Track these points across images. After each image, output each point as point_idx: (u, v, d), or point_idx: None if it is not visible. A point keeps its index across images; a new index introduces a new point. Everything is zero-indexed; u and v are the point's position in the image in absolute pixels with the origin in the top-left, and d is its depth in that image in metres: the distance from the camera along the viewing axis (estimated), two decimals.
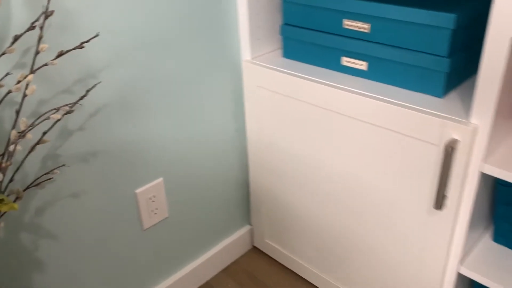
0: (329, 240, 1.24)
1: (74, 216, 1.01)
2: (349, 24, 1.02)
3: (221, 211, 1.39)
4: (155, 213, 1.19)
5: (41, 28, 0.68)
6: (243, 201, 1.46)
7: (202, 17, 1.09)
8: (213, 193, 1.34)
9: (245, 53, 1.20)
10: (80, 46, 0.75)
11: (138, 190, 1.12)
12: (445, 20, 0.85)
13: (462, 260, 0.98)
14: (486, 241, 1.03)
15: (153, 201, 1.17)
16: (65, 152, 0.93)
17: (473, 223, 0.96)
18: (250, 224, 1.52)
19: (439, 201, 0.90)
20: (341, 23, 1.03)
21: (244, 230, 1.50)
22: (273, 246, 1.45)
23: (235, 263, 1.50)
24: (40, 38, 0.68)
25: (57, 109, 0.78)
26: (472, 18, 0.90)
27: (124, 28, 0.94)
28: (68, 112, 0.74)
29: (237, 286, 1.41)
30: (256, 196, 1.41)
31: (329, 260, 1.27)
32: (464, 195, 0.89)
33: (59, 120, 0.85)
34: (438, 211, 0.93)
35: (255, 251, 1.54)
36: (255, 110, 1.24)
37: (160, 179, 1.16)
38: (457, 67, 0.93)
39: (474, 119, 0.82)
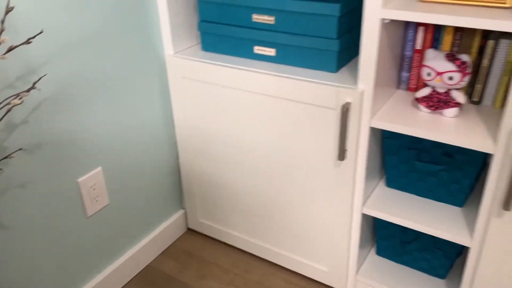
0: (253, 205, 1.42)
1: (23, 206, 1.07)
2: (257, 17, 1.21)
3: (156, 197, 1.51)
4: (97, 201, 1.27)
5: (2, 22, 0.77)
6: (176, 186, 1.58)
7: (129, 18, 1.21)
8: (147, 180, 1.45)
9: (168, 48, 1.34)
10: (28, 42, 0.84)
11: (80, 179, 1.20)
12: (332, 9, 1.08)
13: (364, 202, 1.22)
14: (381, 187, 1.29)
15: (94, 189, 1.25)
16: (11, 144, 1.00)
17: (370, 171, 1.21)
18: (183, 208, 1.65)
19: (341, 154, 1.12)
20: (250, 17, 1.22)
21: (179, 213, 1.62)
22: (207, 224, 1.60)
23: (173, 245, 1.62)
24: (1, 32, 0.76)
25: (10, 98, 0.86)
26: (352, 7, 1.14)
27: (58, 26, 1.03)
28: (16, 103, 0.83)
29: (177, 264, 1.53)
30: (187, 180, 1.55)
31: (255, 223, 1.46)
32: (360, 146, 1.13)
33: (9, 111, 0.92)
34: (341, 162, 1.16)
35: (191, 232, 1.67)
36: (180, 99, 1.39)
37: (99, 168, 1.26)
38: (345, 47, 1.16)
39: (360, 86, 1.06)
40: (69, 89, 1.11)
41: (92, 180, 1.24)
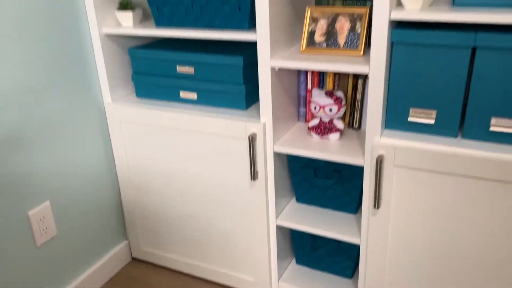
0: (189, 229, 1.63)
1: None
2: (180, 69, 1.48)
3: (101, 229, 1.68)
4: (45, 232, 1.44)
5: None
6: (119, 218, 1.77)
7: (71, 72, 1.44)
8: (92, 213, 1.63)
9: (107, 97, 1.58)
10: None
11: (30, 212, 1.37)
12: (237, 61, 1.37)
13: (277, 216, 1.46)
14: (293, 202, 1.54)
15: (42, 221, 1.42)
16: None
17: (281, 189, 1.46)
18: (127, 239, 1.82)
19: (253, 175, 1.38)
20: (175, 68, 1.49)
21: (123, 244, 1.79)
22: (150, 252, 1.78)
23: (119, 273, 1.77)
24: None
25: None
26: (254, 58, 1.43)
27: (8, 79, 1.25)
28: None
29: None
30: (129, 212, 1.74)
31: (192, 246, 1.66)
32: (268, 168, 1.39)
33: None
34: (254, 182, 1.41)
35: (135, 261, 1.84)
36: (119, 140, 1.60)
37: (47, 202, 1.43)
38: (251, 89, 1.44)
39: (262, 119, 1.33)
40: (18, 132, 1.30)
41: (40, 213, 1.41)
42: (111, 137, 1.62)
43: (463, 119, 1.17)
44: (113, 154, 1.67)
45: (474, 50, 1.07)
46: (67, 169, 1.49)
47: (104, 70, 1.53)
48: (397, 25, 1.15)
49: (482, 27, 1.09)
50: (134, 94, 1.64)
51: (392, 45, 1.14)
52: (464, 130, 1.14)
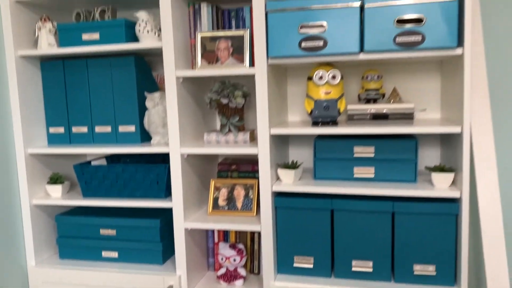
0: None
1: None
2: (103, 232, 1.70)
3: None
4: None
5: None
6: None
7: None
8: None
9: (31, 260, 1.71)
10: None
11: None
12: (155, 223, 1.64)
13: None
14: None
15: None
16: None
17: None
18: None
19: None
20: (98, 231, 1.70)
21: None
22: None
23: None
24: None
25: None
26: (168, 220, 1.71)
27: None
28: None
29: None
30: None
31: None
32: None
33: None
34: None
35: None
36: None
37: None
38: (166, 247, 1.70)
39: (178, 272, 1.57)
40: None
41: None
42: None
43: (333, 262, 1.53)
44: None
45: (332, 212, 1.49)
46: None
47: (30, 237, 1.69)
48: (278, 194, 1.55)
49: (337, 195, 1.53)
50: (58, 256, 1.79)
51: (276, 209, 1.52)
52: (335, 271, 1.50)
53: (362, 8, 1.34)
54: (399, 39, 1.30)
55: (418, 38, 1.29)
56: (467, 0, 1.25)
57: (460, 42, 1.31)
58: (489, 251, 1.40)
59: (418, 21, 1.29)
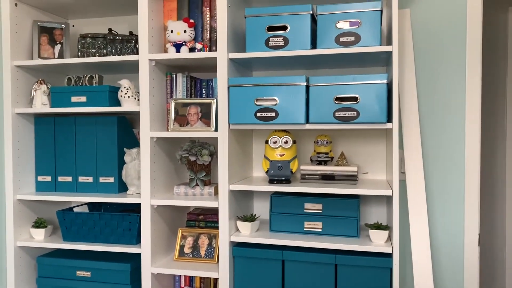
0: None
1: None
2: (79, 273, 1.86)
3: None
4: None
5: None
6: None
7: None
8: None
9: None
10: None
11: None
12: (125, 267, 1.80)
13: None
14: None
15: None
16: None
17: None
18: None
19: None
20: (75, 273, 1.86)
21: None
22: None
23: None
24: None
25: None
26: (138, 265, 1.87)
27: None
28: None
29: None
30: None
31: None
32: None
33: None
34: None
35: None
36: None
37: None
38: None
39: None
40: None
41: None
42: None
43: None
44: None
45: (283, 262, 1.66)
46: None
47: (12, 275, 1.85)
48: (237, 244, 1.72)
49: (289, 246, 1.70)
50: None
51: (234, 258, 1.69)
52: None
53: (307, 86, 1.57)
54: (338, 114, 1.53)
55: (354, 113, 1.51)
56: (394, 84, 1.48)
57: (389, 118, 1.53)
58: None
59: (354, 99, 1.51)
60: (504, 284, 2.66)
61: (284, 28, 1.60)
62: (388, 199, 1.75)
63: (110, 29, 1.92)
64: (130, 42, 1.86)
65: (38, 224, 1.91)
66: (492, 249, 2.69)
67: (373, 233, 1.57)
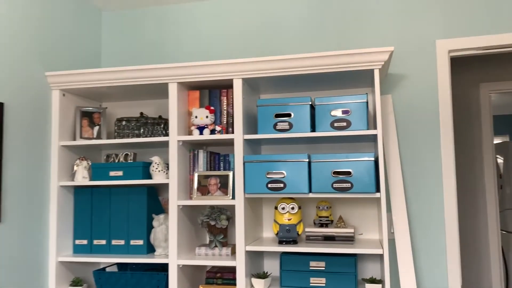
0: None
1: None
2: None
3: None
4: None
5: None
6: None
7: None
8: None
9: None
10: None
11: None
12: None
13: None
14: None
15: None
16: None
17: None
18: None
19: None
20: None
21: None
22: None
23: None
24: None
25: None
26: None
27: None
28: None
29: None
30: None
31: None
32: None
33: None
34: None
35: None
36: None
37: None
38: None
39: None
40: None
41: None
42: None
43: None
44: None
45: None
46: None
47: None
48: None
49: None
50: None
51: None
52: None
53: (309, 162, 1.91)
54: (335, 185, 1.85)
55: (348, 185, 1.84)
56: (380, 161, 1.82)
57: (378, 188, 1.85)
58: None
59: (348, 173, 1.85)
60: None
61: (288, 115, 1.96)
62: (381, 256, 2.03)
63: (141, 113, 2.28)
64: (159, 124, 2.22)
65: (76, 283, 2.17)
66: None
67: (368, 286, 1.85)
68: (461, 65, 3.23)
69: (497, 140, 6.38)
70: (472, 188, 3.15)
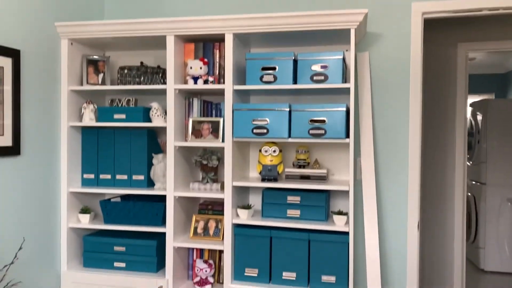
0: None
1: None
2: (116, 248, 2.44)
3: None
4: None
5: None
6: None
7: (43, 254, 2.32)
8: None
9: (64, 266, 2.43)
10: None
11: None
12: (152, 243, 2.39)
13: None
14: None
15: None
16: None
17: None
18: None
19: None
20: (113, 248, 2.44)
21: None
22: None
23: None
24: None
25: None
26: (162, 242, 2.45)
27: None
28: None
29: None
30: None
31: None
32: None
33: None
34: None
35: None
36: None
37: None
38: (160, 260, 2.43)
39: (166, 277, 2.31)
40: None
41: None
42: None
43: (270, 273, 2.28)
44: None
45: (271, 238, 2.26)
46: None
47: (65, 250, 2.43)
48: (237, 226, 2.32)
49: (275, 227, 2.29)
50: (83, 265, 2.51)
51: (235, 236, 2.29)
52: (272, 278, 2.25)
53: (290, 111, 2.18)
54: (311, 131, 2.14)
55: (322, 131, 2.12)
56: (351, 111, 2.10)
57: (348, 134, 2.14)
58: (370, 269, 2.17)
59: (323, 121, 2.12)
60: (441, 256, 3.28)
61: (274, 68, 2.21)
62: (348, 193, 2.35)
63: (141, 62, 2.52)
64: (158, 73, 2.46)
65: (84, 210, 2.50)
66: (433, 232, 3.32)
67: (335, 217, 2.18)
68: (442, 25, 3.43)
69: (484, 97, 6.65)
70: (443, 142, 3.45)
